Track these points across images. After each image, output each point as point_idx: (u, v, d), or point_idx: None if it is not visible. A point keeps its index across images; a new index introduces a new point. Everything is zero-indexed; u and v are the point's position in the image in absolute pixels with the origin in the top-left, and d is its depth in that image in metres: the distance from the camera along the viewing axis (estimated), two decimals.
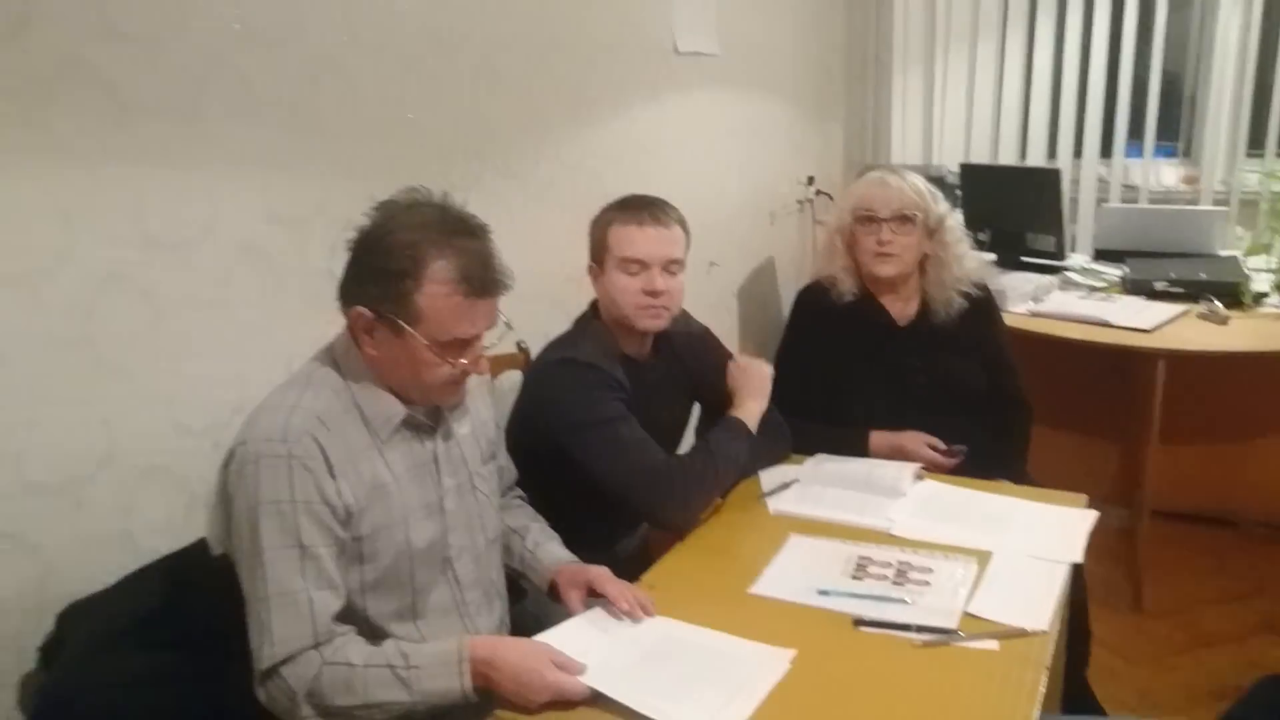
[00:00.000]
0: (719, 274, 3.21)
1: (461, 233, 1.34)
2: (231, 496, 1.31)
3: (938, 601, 1.49)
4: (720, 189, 3.22)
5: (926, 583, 1.54)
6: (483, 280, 1.33)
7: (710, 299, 3.15)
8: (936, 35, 3.95)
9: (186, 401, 1.64)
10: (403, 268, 1.31)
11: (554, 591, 1.56)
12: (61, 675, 1.34)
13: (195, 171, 1.62)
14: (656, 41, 2.88)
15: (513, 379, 2.12)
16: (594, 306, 1.95)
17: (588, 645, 1.36)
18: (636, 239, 1.82)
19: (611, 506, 1.74)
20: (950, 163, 3.85)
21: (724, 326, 3.22)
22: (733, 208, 3.32)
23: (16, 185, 1.37)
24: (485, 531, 1.52)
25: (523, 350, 2.16)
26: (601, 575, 1.51)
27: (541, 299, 2.14)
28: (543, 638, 1.37)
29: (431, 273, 1.31)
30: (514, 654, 1.29)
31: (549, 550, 1.61)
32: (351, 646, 1.29)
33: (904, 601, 1.49)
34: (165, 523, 1.62)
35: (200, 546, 1.57)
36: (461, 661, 1.27)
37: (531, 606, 1.65)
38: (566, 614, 1.49)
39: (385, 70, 1.97)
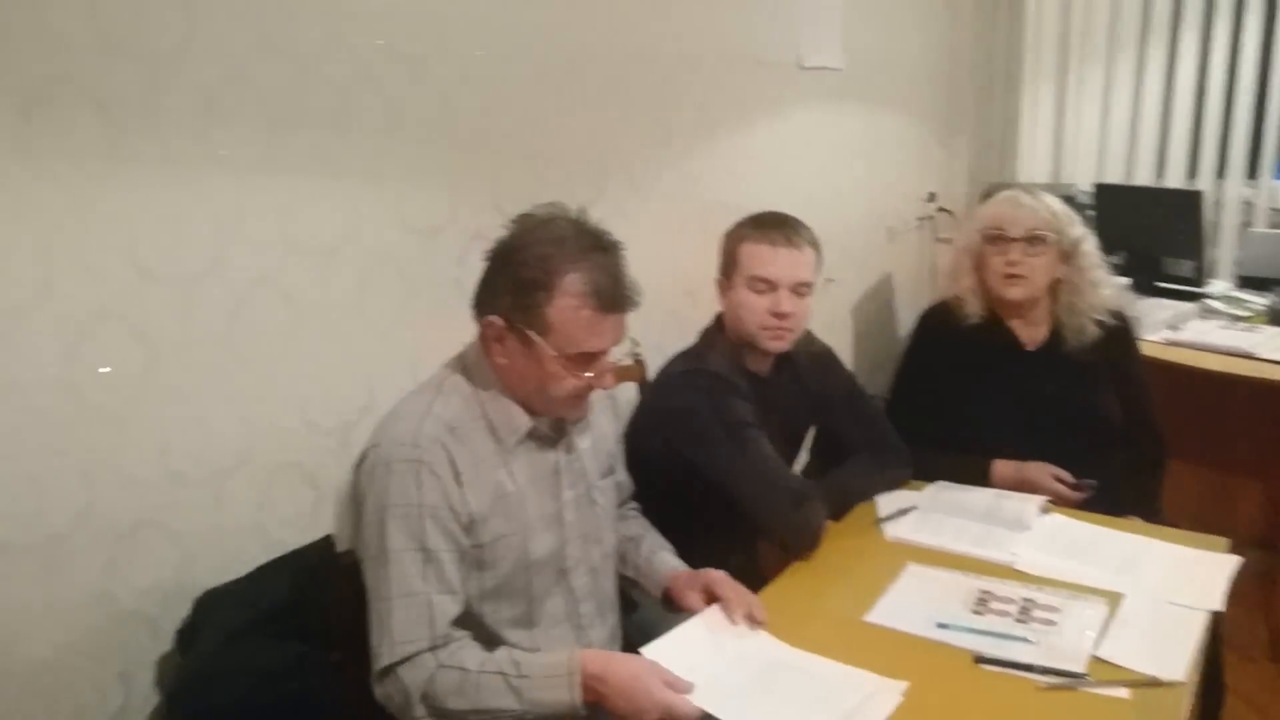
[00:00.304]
0: (835, 290, 3.17)
1: (595, 248, 1.35)
2: (362, 497, 1.35)
3: (1064, 643, 1.43)
4: (839, 204, 3.19)
5: (1052, 622, 1.49)
6: (613, 296, 1.34)
7: (825, 315, 3.11)
8: (1070, 48, 3.83)
9: (318, 401, 1.70)
10: (536, 279, 1.33)
11: (668, 600, 1.56)
12: (197, 661, 1.40)
13: (338, 182, 1.68)
14: (781, 57, 2.87)
15: (628, 392, 2.13)
16: (719, 319, 1.95)
17: (697, 661, 1.36)
18: (767, 259, 1.81)
19: (728, 522, 1.73)
20: (1080, 181, 3.72)
21: (839, 344, 3.17)
22: (851, 223, 3.27)
23: (178, 194, 1.44)
24: (601, 545, 1.53)
25: (639, 363, 2.18)
26: (720, 579, 1.50)
27: (658, 311, 2.14)
28: (653, 646, 1.37)
29: (563, 286, 1.32)
30: (625, 671, 1.29)
31: (663, 558, 1.61)
32: (466, 651, 1.32)
33: (1027, 640, 1.44)
34: (294, 517, 1.69)
35: (326, 542, 1.62)
36: (572, 674, 1.28)
37: (642, 620, 1.65)
38: (679, 621, 1.49)
39: (518, 85, 2.01)
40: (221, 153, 1.49)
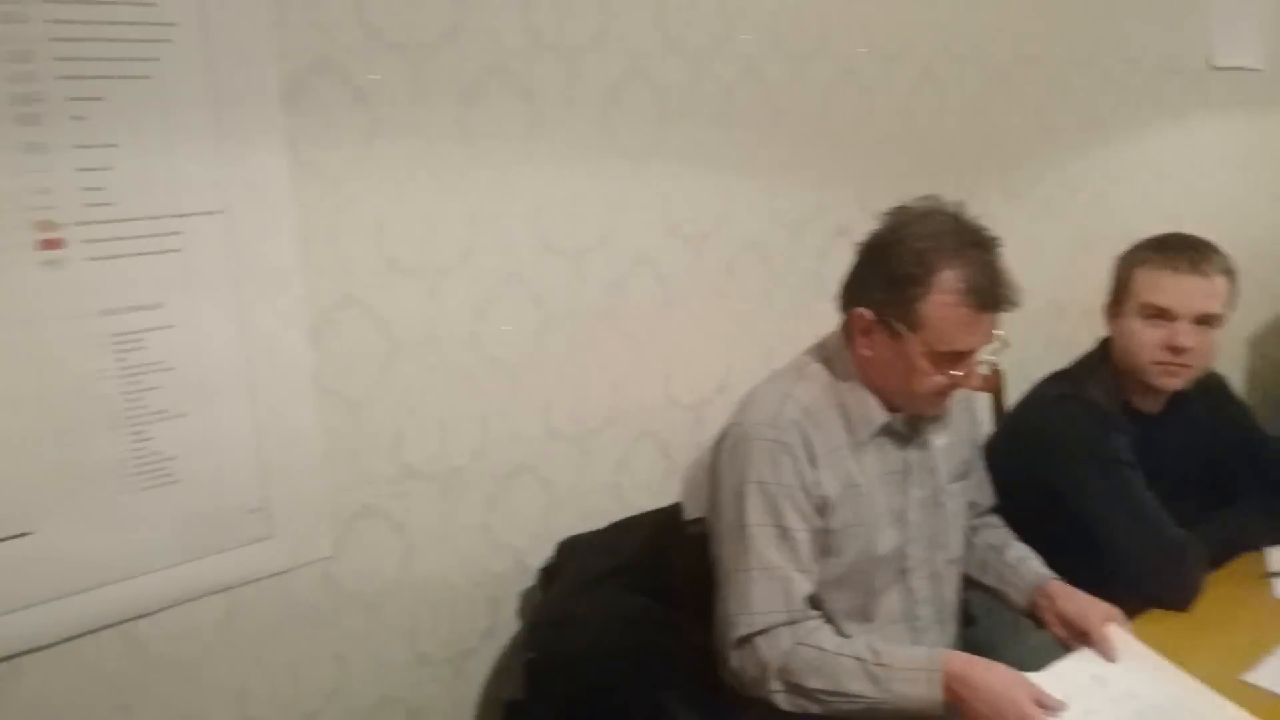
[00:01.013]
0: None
1: (974, 244, 1.33)
2: (721, 472, 1.42)
3: None
4: (1245, 223, 2.84)
5: None
6: (990, 294, 1.31)
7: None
8: None
9: (679, 377, 1.81)
10: (911, 274, 1.32)
11: (1035, 611, 1.50)
12: (557, 598, 1.54)
13: (716, 172, 1.77)
14: (1187, 56, 2.61)
15: (982, 400, 2.05)
16: (1104, 345, 1.78)
17: (1075, 692, 1.28)
18: (1166, 285, 1.64)
19: (1087, 560, 1.61)
20: None
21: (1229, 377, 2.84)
22: (1258, 245, 2.91)
23: (578, 176, 1.59)
24: (946, 550, 1.50)
25: (996, 372, 2.09)
26: (1101, 621, 1.39)
27: (1020, 322, 2.04)
28: (1033, 679, 1.29)
29: (939, 282, 1.31)
30: (992, 678, 1.25)
31: (1031, 566, 1.54)
32: (823, 632, 1.34)
33: None
34: (647, 482, 1.81)
35: (675, 509, 1.72)
36: (934, 671, 1.26)
37: (980, 635, 1.60)
38: (1023, 643, 1.43)
39: (896, 84, 2.01)
40: (620, 141, 1.63)
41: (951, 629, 1.53)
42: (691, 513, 1.70)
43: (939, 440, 1.49)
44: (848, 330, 1.43)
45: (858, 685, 1.28)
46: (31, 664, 1.21)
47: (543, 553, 1.66)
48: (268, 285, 1.29)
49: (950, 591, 1.52)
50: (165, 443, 1.24)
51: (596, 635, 1.46)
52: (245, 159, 1.24)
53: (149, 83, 1.15)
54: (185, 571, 1.30)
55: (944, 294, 1.31)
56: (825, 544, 1.40)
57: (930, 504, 1.48)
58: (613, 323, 1.68)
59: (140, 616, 1.28)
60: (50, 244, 1.11)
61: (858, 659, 1.30)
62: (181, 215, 1.20)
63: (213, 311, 1.25)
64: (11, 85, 1.05)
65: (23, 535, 1.16)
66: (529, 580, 1.68)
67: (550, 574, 1.63)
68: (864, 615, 1.44)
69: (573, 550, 1.62)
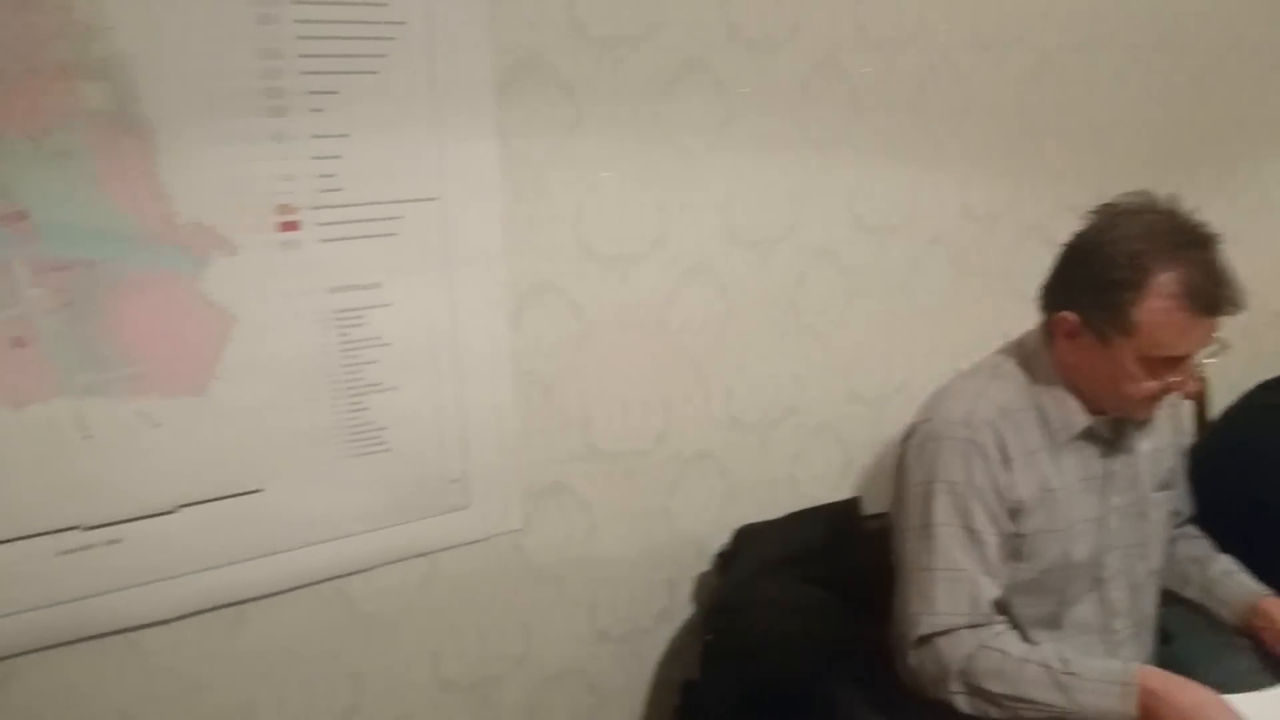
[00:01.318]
0: None
1: (1192, 243, 1.26)
2: (907, 469, 1.40)
3: None
4: None
5: None
6: (1212, 297, 1.24)
7: None
8: None
9: (861, 371, 1.80)
10: (1124, 279, 1.25)
11: (1251, 629, 1.42)
12: (734, 584, 1.57)
13: (904, 165, 1.74)
14: None
15: (1186, 408, 1.94)
16: None
17: None
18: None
19: None
20: None
21: None
22: None
23: (767, 167, 1.60)
24: (1147, 560, 1.43)
25: (1201, 379, 1.97)
26: None
27: (1233, 330, 1.93)
28: (1235, 700, 1.23)
29: (1155, 287, 1.24)
30: (1192, 698, 1.19)
31: (1241, 581, 1.47)
32: (1008, 637, 1.31)
33: None
34: (824, 475, 1.81)
35: (852, 503, 1.71)
36: (1129, 685, 1.21)
37: (1177, 652, 1.51)
38: (1224, 666, 1.35)
39: (1100, 71, 1.92)
40: (810, 133, 1.63)
41: (1148, 644, 1.46)
42: (870, 508, 1.69)
43: (1144, 446, 1.42)
44: (1048, 331, 1.38)
45: (1043, 693, 1.25)
46: (257, 610, 1.32)
47: (719, 539, 1.69)
48: (474, 269, 1.36)
49: (1149, 605, 1.45)
50: (378, 413, 1.33)
51: (773, 623, 1.48)
52: (459, 149, 1.31)
53: (377, 77, 1.24)
54: (391, 534, 1.39)
55: (1160, 299, 1.24)
56: (1016, 548, 1.36)
57: (1132, 512, 1.42)
58: (796, 315, 1.69)
59: (351, 574, 1.38)
60: (288, 226, 1.21)
61: (1045, 666, 1.26)
62: (401, 201, 1.29)
63: (425, 292, 1.33)
64: (263, 80, 1.16)
65: (255, 492, 1.27)
66: (705, 565, 1.71)
67: (727, 560, 1.65)
68: (1054, 623, 1.39)
69: (750, 538, 1.64)
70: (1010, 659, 1.27)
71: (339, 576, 1.37)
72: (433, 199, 1.31)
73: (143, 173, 1.11)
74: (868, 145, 1.70)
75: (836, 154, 1.67)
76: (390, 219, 1.28)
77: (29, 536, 1.14)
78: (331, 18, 1.18)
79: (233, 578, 1.28)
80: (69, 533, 1.17)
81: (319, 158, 1.21)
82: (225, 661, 1.32)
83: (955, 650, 1.30)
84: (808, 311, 1.70)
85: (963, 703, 1.31)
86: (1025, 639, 1.36)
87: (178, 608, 1.26)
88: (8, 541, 1.13)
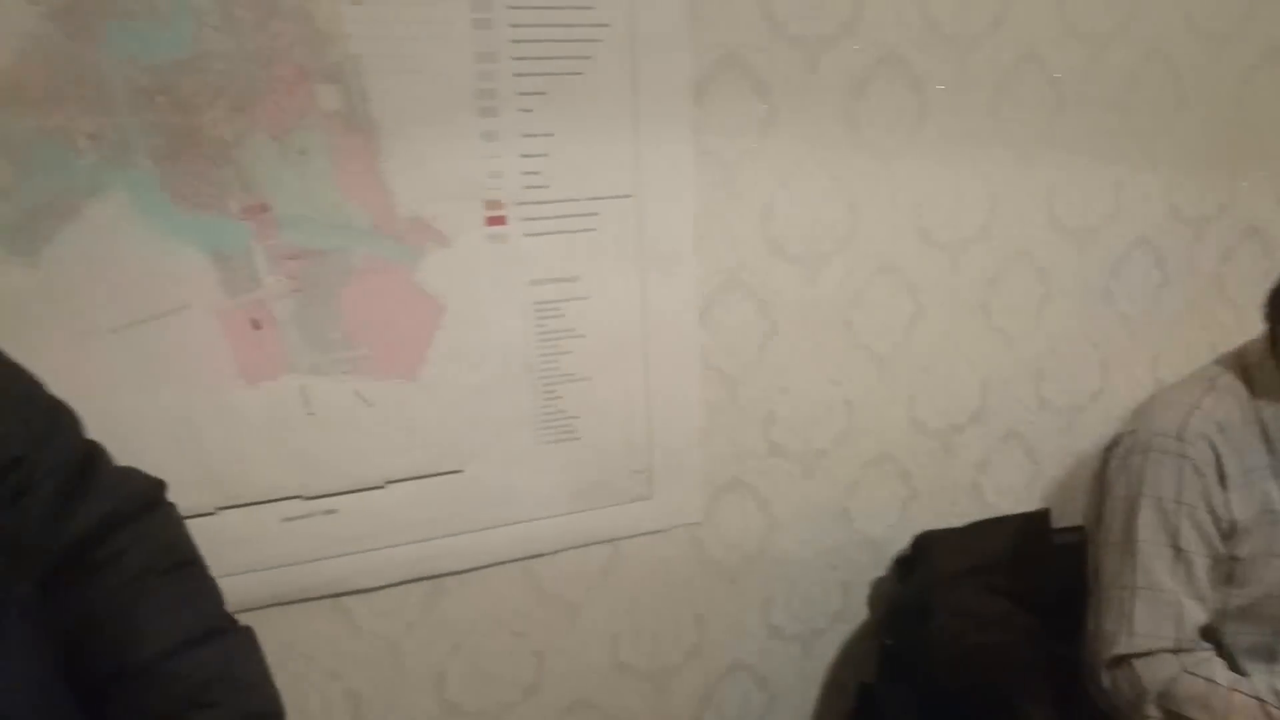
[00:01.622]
0: None
1: None
2: (1110, 481, 1.34)
3: None
4: None
5: None
6: None
7: None
8: None
9: (1051, 378, 1.73)
10: None
11: None
12: (917, 590, 1.54)
13: (1108, 164, 1.66)
14: None
15: None
16: None
17: None
18: None
19: None
20: None
21: None
22: None
23: (960, 166, 1.56)
24: None
25: None
26: None
27: None
28: None
29: None
30: None
31: None
32: (1215, 665, 1.24)
33: None
34: (1010, 486, 1.75)
35: (1041, 515, 1.65)
36: None
37: None
38: None
39: None
40: (1007, 130, 1.58)
41: None
42: (1059, 521, 1.62)
43: None
44: (1273, 341, 1.29)
45: None
46: (454, 584, 1.40)
47: (898, 543, 1.66)
48: (666, 265, 1.39)
49: None
50: (571, 402, 1.38)
51: (958, 632, 1.44)
52: (656, 147, 1.34)
53: (581, 78, 1.28)
54: (578, 520, 1.44)
55: None
56: (1229, 572, 1.28)
57: None
58: (986, 317, 1.64)
59: (539, 555, 1.43)
60: (496, 221, 1.27)
61: (1257, 698, 1.18)
62: (599, 198, 1.33)
63: (619, 287, 1.37)
64: (478, 82, 1.22)
65: (456, 472, 1.34)
66: (882, 569, 1.69)
67: (906, 565, 1.63)
68: (1270, 655, 1.30)
69: (931, 544, 1.60)
70: (1217, 688, 1.20)
71: (528, 557, 1.43)
72: (629, 196, 1.34)
73: (369, 169, 1.19)
74: (1069, 143, 1.63)
75: (1035, 152, 1.61)
76: (589, 215, 1.33)
77: (259, 503, 1.25)
78: (542, 21, 1.23)
79: (433, 552, 1.36)
80: (292, 501, 1.27)
81: (526, 155, 1.27)
82: (422, 630, 1.40)
83: (1154, 674, 1.23)
84: (999, 314, 1.65)
85: None
86: (1235, 669, 1.28)
87: (384, 577, 1.34)
88: (241, 506, 1.24)
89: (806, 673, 1.69)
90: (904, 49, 1.46)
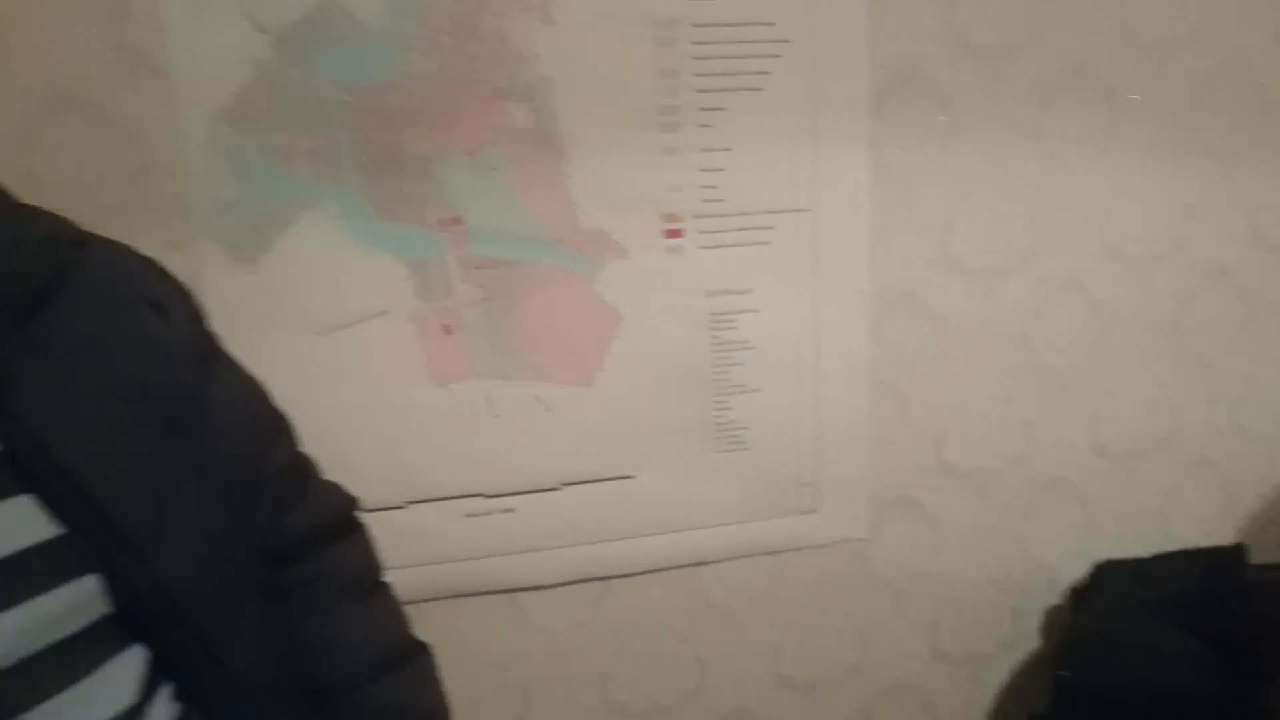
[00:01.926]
0: None
1: None
2: None
3: None
4: None
5: None
6: None
7: None
8: None
9: (1252, 403, 1.62)
10: None
11: None
12: (1097, 620, 1.47)
13: None
14: None
15: None
16: None
17: None
18: None
19: None
20: None
21: None
22: None
23: (1154, 179, 1.49)
24: None
25: None
26: None
27: None
28: None
29: None
30: None
31: None
32: None
33: None
34: (1200, 516, 1.65)
35: (1236, 549, 1.55)
36: None
37: None
38: None
39: None
40: (1206, 140, 1.49)
41: None
42: (1256, 556, 1.52)
43: None
44: None
45: None
46: (621, 586, 1.43)
47: (1074, 572, 1.60)
48: (839, 279, 1.38)
49: None
50: (740, 413, 1.39)
51: (1142, 668, 1.38)
52: (833, 162, 1.34)
53: (761, 94, 1.30)
54: (744, 530, 1.45)
55: None
56: None
57: None
58: (1178, 337, 1.56)
59: (705, 563, 1.45)
60: (673, 234, 1.30)
61: None
62: (774, 212, 1.34)
63: (791, 300, 1.37)
64: (660, 98, 1.25)
65: (628, 477, 1.37)
66: (1056, 598, 1.63)
67: (1083, 594, 1.56)
68: None
69: (1110, 574, 1.54)
70: None
71: (694, 564, 1.44)
72: (804, 210, 1.35)
73: (554, 183, 1.24)
74: (1274, 155, 1.53)
75: (1238, 164, 1.52)
76: (764, 229, 1.34)
77: (445, 499, 1.31)
78: (723, 39, 1.26)
79: (603, 554, 1.40)
80: (474, 499, 1.33)
81: (704, 170, 1.29)
82: (589, 630, 1.44)
83: None
84: (1192, 334, 1.56)
85: None
86: None
87: (555, 575, 1.39)
88: (429, 501, 1.31)
89: (973, 699, 1.64)
90: (1094, 58, 1.42)
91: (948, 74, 1.36)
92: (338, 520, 0.94)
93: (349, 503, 0.98)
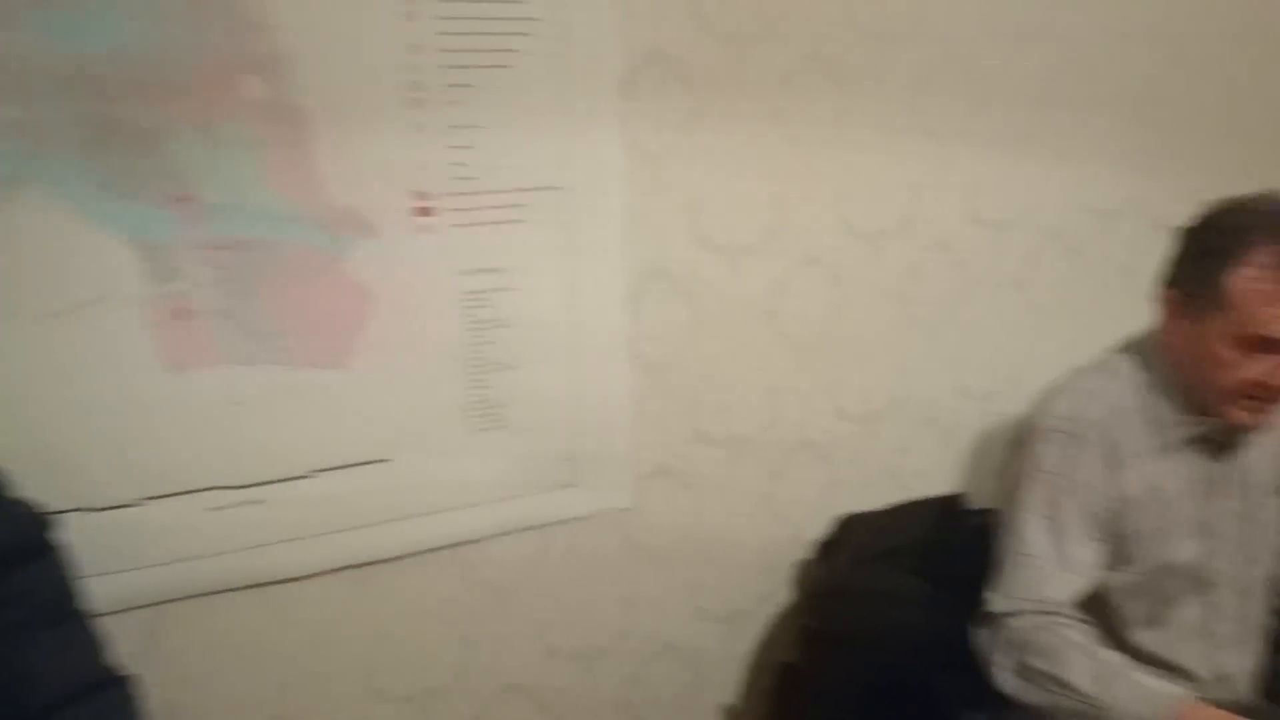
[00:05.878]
0: None
1: None
2: (1011, 460, 1.41)
3: None
4: None
5: None
6: None
7: None
8: None
9: (972, 367, 1.79)
10: (1222, 246, 1.24)
11: None
12: (837, 572, 1.59)
13: (1023, 159, 1.72)
14: None
15: None
16: None
17: None
18: None
19: None
20: None
21: None
22: None
23: (883, 159, 1.60)
24: (1259, 565, 1.40)
25: None
26: None
27: None
28: None
29: (1251, 255, 1.21)
30: None
31: None
32: (1076, 630, 1.31)
33: None
34: (928, 469, 1.81)
35: (956, 498, 1.71)
36: (1167, 706, 1.21)
37: None
38: None
39: (1238, 64, 1.86)
40: (927, 124, 1.62)
41: (1255, 649, 1.43)
42: (976, 503, 1.69)
43: (1258, 449, 1.39)
44: (1161, 316, 1.36)
45: (1080, 679, 1.24)
46: (382, 572, 1.41)
47: (820, 526, 1.71)
48: (594, 256, 1.41)
49: (1258, 610, 1.42)
50: (499, 391, 1.40)
51: (874, 611, 1.50)
52: (585, 140, 1.36)
53: (509, 71, 1.29)
54: (507, 508, 1.46)
55: (1253, 268, 1.20)
56: (1117, 550, 1.35)
57: (1243, 516, 1.39)
58: (906, 307, 1.69)
59: (468, 543, 1.45)
60: (424, 211, 1.28)
61: (1096, 659, 1.26)
62: (527, 190, 1.34)
63: (548, 277, 1.38)
64: (404, 74, 1.22)
65: (384, 461, 1.35)
66: (805, 551, 1.74)
67: (828, 548, 1.68)
68: (1154, 622, 1.38)
69: (852, 527, 1.66)
70: (1066, 643, 1.27)
71: (458, 545, 1.44)
72: (558, 188, 1.36)
73: (300, 160, 1.19)
74: (986, 138, 1.68)
75: (954, 147, 1.66)
76: (517, 206, 1.34)
77: (184, 493, 1.24)
78: (470, 14, 1.24)
79: (360, 540, 1.37)
80: (217, 491, 1.26)
81: (454, 147, 1.28)
82: (350, 620, 1.41)
83: (1015, 629, 1.31)
84: (920, 304, 1.70)
85: (1009, 681, 1.32)
86: (1126, 641, 1.36)
87: (310, 566, 1.35)
88: (166, 496, 1.23)
89: (733, 652, 1.74)
90: (827, 46, 1.50)
91: (693, 58, 1.40)
92: (24, 543, 0.87)
93: (38, 523, 0.91)
